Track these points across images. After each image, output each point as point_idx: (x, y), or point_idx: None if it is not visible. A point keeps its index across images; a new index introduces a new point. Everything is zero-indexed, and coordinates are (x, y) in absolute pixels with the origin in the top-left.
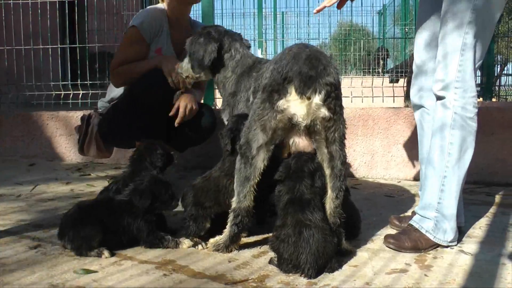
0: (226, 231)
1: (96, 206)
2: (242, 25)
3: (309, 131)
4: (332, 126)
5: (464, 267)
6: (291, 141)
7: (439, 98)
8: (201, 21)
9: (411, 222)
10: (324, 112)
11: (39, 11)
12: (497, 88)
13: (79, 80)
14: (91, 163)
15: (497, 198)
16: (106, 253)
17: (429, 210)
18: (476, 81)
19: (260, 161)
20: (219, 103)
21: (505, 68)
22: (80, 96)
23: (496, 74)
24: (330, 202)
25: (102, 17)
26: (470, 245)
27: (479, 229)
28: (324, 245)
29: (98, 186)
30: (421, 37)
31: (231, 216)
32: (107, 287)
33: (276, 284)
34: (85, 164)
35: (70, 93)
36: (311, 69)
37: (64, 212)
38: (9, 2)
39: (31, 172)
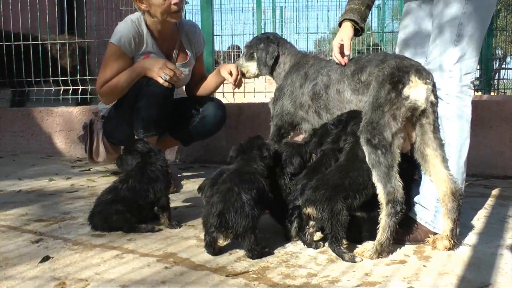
0: (385, 229)
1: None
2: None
3: (417, 118)
4: (435, 112)
5: (462, 258)
6: None
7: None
8: (199, 16)
9: (410, 213)
10: (432, 97)
11: (38, 6)
12: (495, 81)
13: (78, 75)
14: None
15: (495, 190)
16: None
17: (430, 200)
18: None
19: (396, 148)
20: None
21: (504, 62)
22: (79, 92)
23: (494, 68)
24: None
25: (101, 12)
26: (469, 236)
27: (477, 220)
28: None
29: (99, 181)
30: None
31: (386, 210)
32: (109, 279)
33: (276, 275)
34: (85, 159)
35: (70, 89)
36: (415, 62)
37: (65, 206)
38: None
39: (31, 167)
